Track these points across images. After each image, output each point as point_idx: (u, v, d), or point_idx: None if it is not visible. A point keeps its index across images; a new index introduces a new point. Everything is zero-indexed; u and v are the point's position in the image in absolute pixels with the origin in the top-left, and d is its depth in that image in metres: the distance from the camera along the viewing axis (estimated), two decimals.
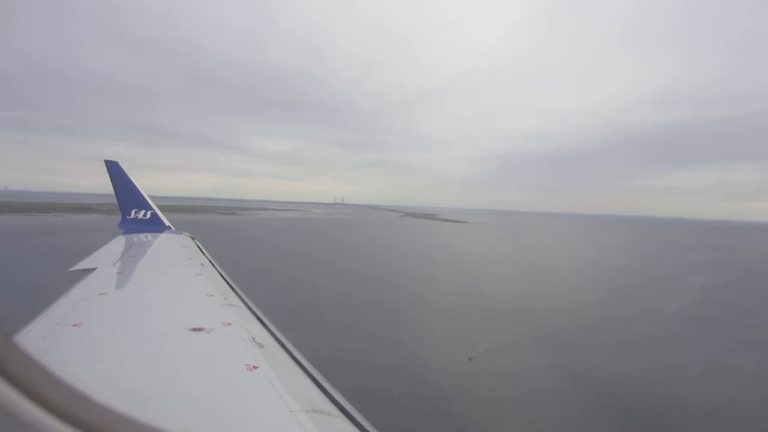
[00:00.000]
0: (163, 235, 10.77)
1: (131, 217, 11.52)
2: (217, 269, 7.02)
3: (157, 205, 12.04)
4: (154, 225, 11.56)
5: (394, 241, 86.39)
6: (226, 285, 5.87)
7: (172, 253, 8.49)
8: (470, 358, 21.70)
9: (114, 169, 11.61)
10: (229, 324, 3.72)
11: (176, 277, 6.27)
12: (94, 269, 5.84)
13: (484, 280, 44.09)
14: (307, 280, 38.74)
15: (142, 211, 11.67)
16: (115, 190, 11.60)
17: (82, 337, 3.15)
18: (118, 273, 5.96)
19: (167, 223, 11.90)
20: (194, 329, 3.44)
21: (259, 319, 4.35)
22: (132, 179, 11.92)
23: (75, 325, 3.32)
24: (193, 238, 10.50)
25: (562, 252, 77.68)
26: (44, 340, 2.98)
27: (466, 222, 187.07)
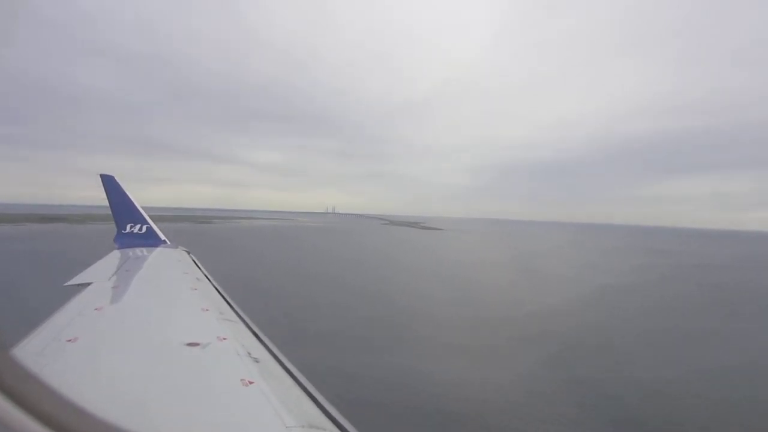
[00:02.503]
0: (158, 249, 10.76)
1: (126, 231, 11.50)
2: (212, 283, 7.07)
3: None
4: (150, 239, 11.55)
5: (348, 244, 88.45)
6: (222, 299, 5.91)
7: (168, 268, 8.52)
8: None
9: (109, 183, 11.62)
10: (224, 339, 3.73)
11: (171, 291, 6.30)
12: (90, 284, 5.87)
13: (390, 277, 45.47)
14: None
15: (138, 225, 11.65)
16: (110, 204, 11.60)
17: (76, 353, 3.14)
18: (113, 288, 5.93)
19: (163, 238, 11.94)
20: (190, 344, 3.43)
21: (255, 334, 4.34)
22: (127, 193, 11.92)
23: (69, 340, 3.31)
24: (188, 253, 10.52)
25: (500, 255, 79.35)
26: (39, 355, 2.97)
27: (441, 229, 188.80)
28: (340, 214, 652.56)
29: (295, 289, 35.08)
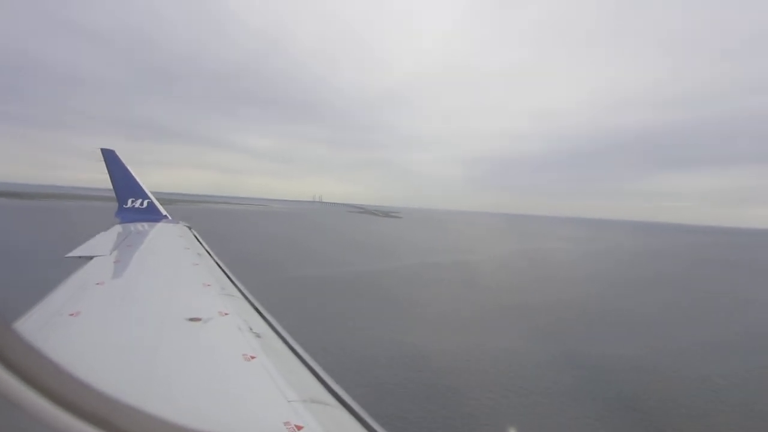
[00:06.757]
0: (160, 224, 10.77)
1: (128, 206, 11.51)
2: (214, 259, 7.04)
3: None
4: (151, 214, 11.52)
5: (281, 225, 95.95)
6: (223, 275, 5.90)
7: (169, 243, 8.48)
8: None
9: (110, 158, 11.60)
10: (226, 314, 3.75)
11: (173, 266, 6.24)
12: (91, 258, 5.88)
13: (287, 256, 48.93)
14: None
15: (139, 200, 11.61)
16: (111, 179, 11.58)
17: (79, 327, 3.16)
18: (115, 262, 5.91)
19: (164, 213, 11.91)
20: (191, 319, 3.45)
21: (257, 309, 4.34)
22: (129, 168, 11.93)
23: (72, 314, 3.32)
24: (190, 228, 10.51)
25: (405, 239, 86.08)
26: (41, 329, 2.99)
27: (400, 218, 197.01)
28: (325, 203, 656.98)
29: None
